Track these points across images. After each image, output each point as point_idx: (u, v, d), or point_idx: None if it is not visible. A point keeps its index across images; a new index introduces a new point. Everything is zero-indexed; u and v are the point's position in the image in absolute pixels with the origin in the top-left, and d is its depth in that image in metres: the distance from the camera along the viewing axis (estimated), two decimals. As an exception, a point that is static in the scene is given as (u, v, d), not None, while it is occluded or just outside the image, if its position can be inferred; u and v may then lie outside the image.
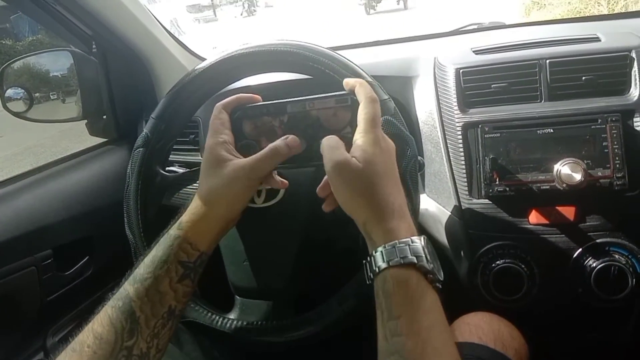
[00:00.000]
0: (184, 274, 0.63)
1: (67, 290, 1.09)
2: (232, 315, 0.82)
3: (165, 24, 1.33)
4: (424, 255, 0.54)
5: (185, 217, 0.65)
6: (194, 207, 0.66)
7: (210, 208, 0.65)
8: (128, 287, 0.61)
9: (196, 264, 0.64)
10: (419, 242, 0.55)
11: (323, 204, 0.67)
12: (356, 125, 0.62)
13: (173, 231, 0.64)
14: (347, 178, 0.58)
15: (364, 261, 0.58)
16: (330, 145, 0.60)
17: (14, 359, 1.02)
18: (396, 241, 0.54)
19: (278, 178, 0.72)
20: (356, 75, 0.74)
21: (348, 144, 0.61)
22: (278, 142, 0.66)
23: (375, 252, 0.55)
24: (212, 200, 0.65)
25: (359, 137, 0.60)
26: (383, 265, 0.54)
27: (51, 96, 1.30)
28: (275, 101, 0.70)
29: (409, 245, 0.54)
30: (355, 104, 0.64)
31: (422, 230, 1.08)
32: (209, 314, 0.80)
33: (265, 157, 0.65)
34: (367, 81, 0.70)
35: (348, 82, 0.67)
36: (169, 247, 0.63)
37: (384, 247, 0.55)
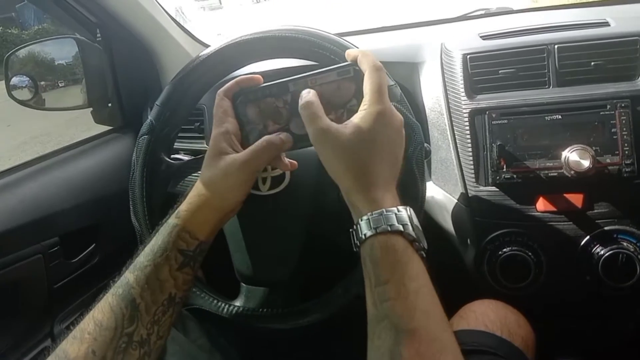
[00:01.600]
0: (183, 262, 0.63)
1: (74, 277, 1.10)
2: (237, 303, 0.82)
3: (170, 12, 1.32)
4: (410, 224, 0.54)
5: (184, 206, 0.65)
6: (192, 196, 0.66)
7: (206, 199, 0.65)
8: (128, 275, 0.62)
9: (195, 253, 0.64)
10: (404, 211, 0.55)
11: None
12: (362, 97, 0.61)
13: (172, 220, 0.65)
14: (329, 145, 0.58)
15: (350, 230, 0.57)
16: (310, 116, 0.60)
17: (22, 346, 1.03)
18: (383, 209, 0.55)
19: (286, 160, 0.72)
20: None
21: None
22: (272, 136, 0.66)
23: (361, 220, 0.55)
24: (207, 192, 0.65)
25: (363, 108, 0.59)
26: (369, 232, 0.54)
27: (59, 84, 1.30)
28: (277, 81, 0.69)
29: (395, 214, 0.54)
30: (359, 74, 0.63)
31: (428, 217, 1.08)
32: (215, 301, 0.80)
33: (258, 151, 0.65)
34: None
35: (350, 52, 0.66)
36: (167, 235, 0.63)
37: (371, 214, 0.55)
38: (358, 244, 0.56)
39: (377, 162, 0.57)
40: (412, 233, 0.54)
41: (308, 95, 0.62)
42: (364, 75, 0.62)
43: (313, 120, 0.59)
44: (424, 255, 0.55)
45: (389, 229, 0.53)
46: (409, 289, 0.51)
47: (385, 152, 0.59)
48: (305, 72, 0.67)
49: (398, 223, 0.54)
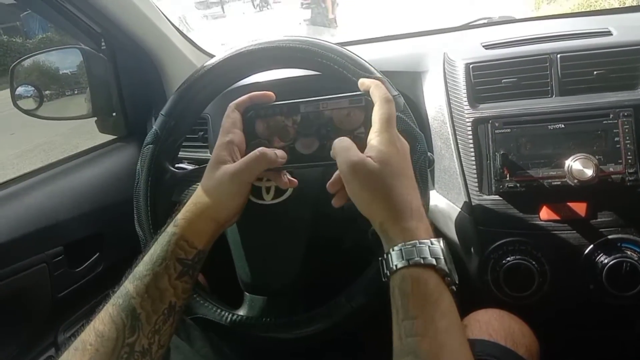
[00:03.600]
0: (182, 271, 0.63)
1: (78, 286, 1.10)
2: (241, 312, 0.82)
3: (173, 21, 1.33)
4: (442, 258, 0.54)
5: (181, 215, 0.65)
6: (189, 205, 0.66)
7: (202, 208, 0.65)
8: (128, 285, 0.62)
9: (194, 261, 0.65)
10: (438, 244, 0.55)
11: (332, 199, 0.67)
12: (370, 126, 0.62)
13: (170, 228, 0.65)
14: (363, 178, 0.57)
15: (379, 258, 0.57)
16: (343, 146, 0.60)
17: (26, 355, 1.03)
18: (416, 241, 0.54)
19: (286, 178, 0.72)
20: (365, 70, 0.74)
21: (361, 145, 0.60)
22: (267, 149, 0.66)
23: (393, 250, 0.55)
24: (203, 201, 0.65)
25: (374, 137, 0.60)
26: (401, 263, 0.53)
27: (66, 93, 1.30)
28: (288, 101, 0.70)
29: (429, 246, 0.54)
30: (369, 104, 0.64)
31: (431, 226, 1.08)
32: (219, 311, 0.80)
33: (250, 162, 0.65)
34: (377, 77, 0.70)
35: (364, 82, 0.67)
36: (166, 245, 0.63)
37: (404, 245, 0.54)
38: (388, 274, 0.55)
39: (408, 192, 0.58)
40: (445, 267, 0.53)
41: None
42: (373, 105, 0.63)
43: (346, 152, 0.59)
44: (455, 289, 0.54)
45: (422, 261, 0.53)
46: (438, 327, 0.50)
47: (408, 177, 0.59)
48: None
49: (431, 256, 0.53)
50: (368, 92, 0.65)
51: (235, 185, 0.65)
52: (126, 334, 0.59)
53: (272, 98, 0.72)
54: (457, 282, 0.55)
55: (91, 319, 0.61)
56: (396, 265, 0.54)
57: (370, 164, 0.57)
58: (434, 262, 0.53)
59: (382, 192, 0.57)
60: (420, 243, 0.54)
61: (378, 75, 0.73)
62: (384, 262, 0.56)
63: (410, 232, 0.55)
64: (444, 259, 0.54)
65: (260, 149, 0.66)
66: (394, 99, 0.72)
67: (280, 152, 0.67)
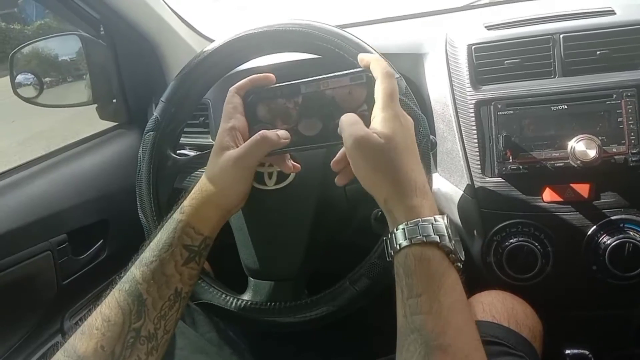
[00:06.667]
0: (188, 257, 0.64)
1: (83, 273, 1.11)
2: (245, 297, 0.82)
3: (171, 5, 1.31)
4: (446, 235, 0.53)
5: (187, 202, 0.66)
6: (195, 191, 0.66)
7: (208, 195, 0.65)
8: (134, 271, 0.62)
9: (200, 248, 0.65)
10: (442, 220, 0.54)
11: (336, 177, 0.67)
12: (373, 103, 0.61)
13: (176, 215, 0.65)
14: (368, 153, 0.57)
15: (384, 238, 0.57)
16: (349, 121, 0.59)
17: (33, 342, 1.04)
18: (419, 219, 0.54)
19: (290, 163, 0.72)
20: (363, 51, 0.73)
21: (366, 122, 0.60)
22: (268, 131, 0.66)
23: (397, 230, 0.55)
24: (209, 188, 0.66)
25: (377, 113, 0.59)
26: (405, 242, 0.53)
27: (67, 79, 1.30)
28: (288, 82, 0.69)
29: (432, 223, 0.53)
30: (371, 80, 0.63)
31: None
32: (223, 296, 0.81)
33: (251, 146, 0.65)
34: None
35: (363, 58, 0.66)
36: (172, 231, 0.64)
37: (407, 224, 0.54)
38: (392, 253, 0.55)
39: (412, 168, 0.57)
40: (449, 244, 0.53)
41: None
42: (375, 81, 0.62)
43: (351, 127, 0.58)
44: (460, 266, 0.54)
45: (425, 239, 0.53)
46: (443, 304, 0.50)
47: (412, 153, 0.59)
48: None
49: (435, 234, 0.53)
50: (368, 68, 0.64)
51: (238, 170, 0.65)
52: (132, 319, 0.59)
53: (272, 80, 0.71)
54: (462, 258, 0.55)
55: (98, 303, 0.62)
56: (400, 245, 0.54)
57: (375, 139, 0.57)
58: (437, 239, 0.53)
59: (387, 168, 0.57)
60: (423, 221, 0.54)
61: (377, 55, 0.72)
62: (388, 241, 0.56)
63: (414, 209, 0.55)
64: (448, 235, 0.53)
65: (261, 132, 0.65)
66: (396, 81, 0.72)
67: (282, 132, 0.67)
